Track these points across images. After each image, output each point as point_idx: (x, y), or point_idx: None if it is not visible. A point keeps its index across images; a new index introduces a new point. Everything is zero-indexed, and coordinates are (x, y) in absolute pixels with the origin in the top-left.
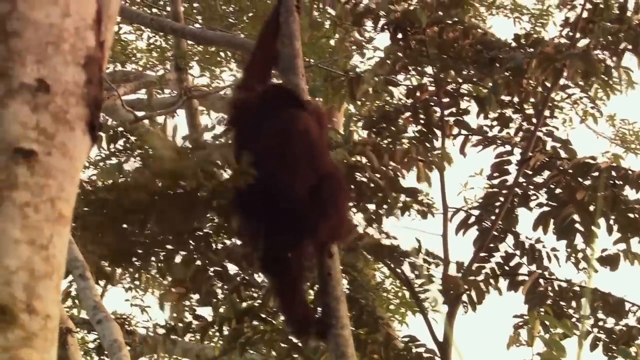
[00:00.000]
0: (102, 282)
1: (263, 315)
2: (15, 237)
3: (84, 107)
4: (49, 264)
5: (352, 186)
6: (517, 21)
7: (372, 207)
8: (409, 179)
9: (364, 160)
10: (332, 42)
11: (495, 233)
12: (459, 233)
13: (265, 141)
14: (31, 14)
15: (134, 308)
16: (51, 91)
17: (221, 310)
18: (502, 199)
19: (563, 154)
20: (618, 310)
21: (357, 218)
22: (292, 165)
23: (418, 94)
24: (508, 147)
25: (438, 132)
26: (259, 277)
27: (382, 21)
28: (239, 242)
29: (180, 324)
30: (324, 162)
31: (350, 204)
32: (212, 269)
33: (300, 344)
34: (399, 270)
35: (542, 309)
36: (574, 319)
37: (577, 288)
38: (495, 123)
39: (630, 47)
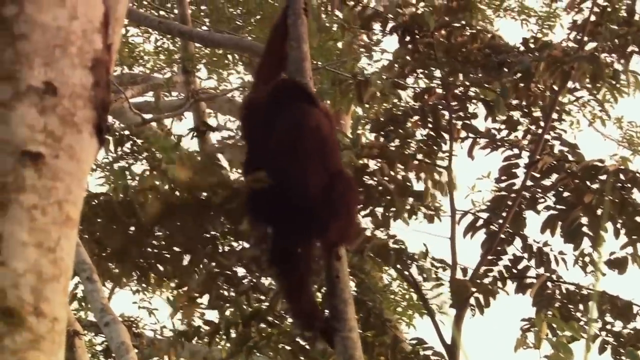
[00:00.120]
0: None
1: (270, 319)
2: (22, 240)
3: (91, 110)
4: (57, 266)
5: (360, 189)
6: (524, 23)
7: (379, 210)
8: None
9: (371, 163)
10: (339, 44)
11: (503, 236)
12: (466, 236)
13: (277, 137)
14: (39, 17)
15: (142, 310)
16: (58, 94)
17: (227, 313)
18: (510, 202)
19: (571, 157)
20: (626, 314)
21: (365, 221)
22: (304, 161)
23: (426, 97)
24: (516, 150)
25: (446, 136)
26: (267, 280)
27: (391, 24)
28: (247, 245)
29: (189, 328)
30: (336, 160)
31: (359, 206)
32: (220, 271)
33: (307, 347)
34: (406, 273)
35: (549, 312)
36: (581, 322)
37: (584, 291)
38: (503, 126)
39: (637, 49)
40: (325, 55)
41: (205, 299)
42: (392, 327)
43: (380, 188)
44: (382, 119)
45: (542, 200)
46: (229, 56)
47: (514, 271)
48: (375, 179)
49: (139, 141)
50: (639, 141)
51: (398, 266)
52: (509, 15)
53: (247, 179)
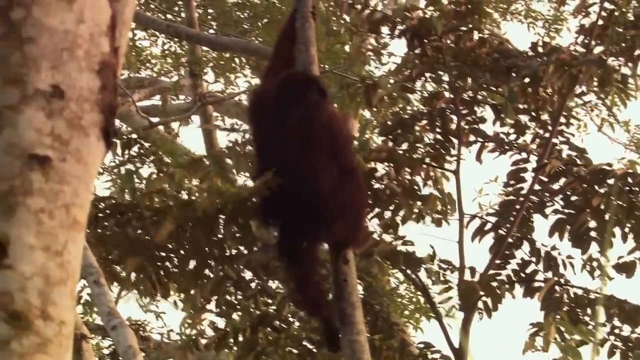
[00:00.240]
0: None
1: (277, 323)
2: (30, 244)
3: (98, 113)
4: (64, 270)
5: (369, 192)
6: (531, 27)
7: (387, 213)
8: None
9: (379, 167)
10: (347, 48)
11: (511, 240)
12: (474, 240)
13: (288, 131)
14: (46, 20)
15: (149, 314)
16: (66, 97)
17: (234, 316)
18: (518, 206)
19: (578, 161)
20: (634, 318)
21: (373, 224)
22: (314, 157)
23: (434, 101)
24: (524, 154)
25: (454, 140)
26: (274, 284)
27: (399, 28)
28: (255, 249)
29: (195, 334)
30: (347, 157)
31: (367, 209)
32: (225, 276)
33: (314, 350)
34: (414, 276)
35: (557, 316)
36: (589, 326)
37: (592, 295)
38: (511, 130)
39: None
40: (333, 58)
41: (212, 305)
42: (400, 330)
43: (388, 192)
44: (390, 123)
45: (550, 204)
46: (236, 59)
47: (522, 275)
48: (383, 182)
49: (146, 144)
50: None
51: (406, 270)
52: (515, 18)
53: (257, 184)
